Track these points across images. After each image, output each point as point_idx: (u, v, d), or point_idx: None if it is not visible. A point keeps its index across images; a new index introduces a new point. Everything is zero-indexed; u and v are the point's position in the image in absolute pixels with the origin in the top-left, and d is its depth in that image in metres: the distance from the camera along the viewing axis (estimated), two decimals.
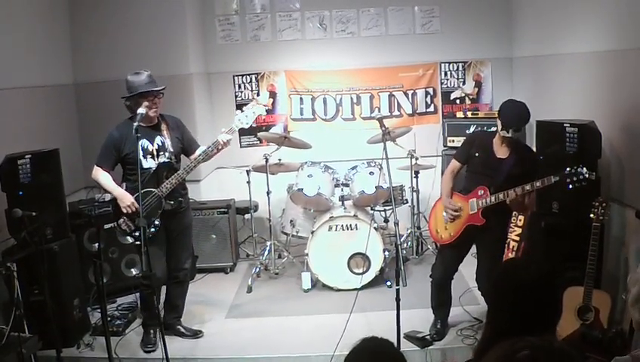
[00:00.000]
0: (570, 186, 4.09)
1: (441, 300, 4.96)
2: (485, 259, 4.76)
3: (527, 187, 4.28)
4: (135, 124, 4.39)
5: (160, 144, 4.73)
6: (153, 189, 4.64)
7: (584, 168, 4.07)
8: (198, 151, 4.89)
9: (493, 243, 4.72)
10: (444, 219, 4.76)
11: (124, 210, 4.62)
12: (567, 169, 4.10)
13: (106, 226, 4.76)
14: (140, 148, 4.61)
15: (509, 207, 4.53)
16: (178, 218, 4.89)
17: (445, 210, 4.73)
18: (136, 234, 4.63)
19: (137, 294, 5.25)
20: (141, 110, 4.52)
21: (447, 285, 4.93)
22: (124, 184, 4.76)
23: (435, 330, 4.90)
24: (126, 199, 4.62)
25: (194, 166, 4.72)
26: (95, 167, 4.73)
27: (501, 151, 4.58)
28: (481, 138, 4.77)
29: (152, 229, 4.62)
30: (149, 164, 4.68)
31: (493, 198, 4.46)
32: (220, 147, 4.72)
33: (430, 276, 4.96)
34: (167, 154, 4.74)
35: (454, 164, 4.83)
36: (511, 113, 4.50)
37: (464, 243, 4.76)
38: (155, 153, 4.71)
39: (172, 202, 4.73)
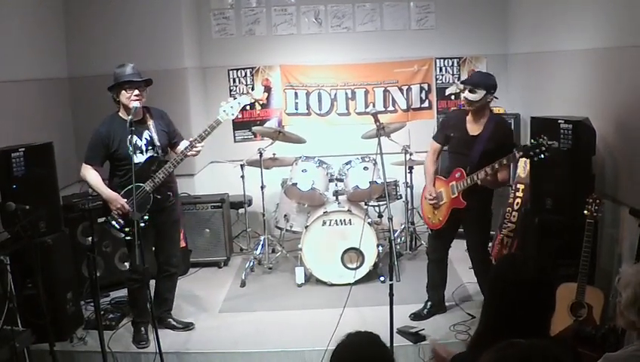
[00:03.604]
0: (535, 158, 4.28)
1: (436, 280, 5.14)
2: (472, 234, 4.96)
3: (496, 165, 4.43)
4: (129, 117, 4.38)
5: (148, 138, 4.69)
6: (141, 184, 4.61)
7: (545, 138, 4.22)
8: (182, 145, 4.85)
9: (478, 219, 4.87)
10: (431, 206, 4.93)
11: (115, 212, 4.60)
12: (530, 141, 4.30)
13: (100, 220, 4.75)
14: (129, 143, 4.59)
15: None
16: (167, 212, 4.86)
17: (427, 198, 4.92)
18: (127, 229, 4.61)
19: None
20: (135, 104, 4.51)
21: (443, 264, 5.13)
22: (113, 179, 4.72)
23: (427, 310, 5.11)
24: (116, 202, 4.58)
25: (181, 159, 4.69)
26: (84, 165, 4.68)
27: (474, 128, 4.71)
28: (455, 117, 4.91)
29: (142, 224, 4.58)
30: (138, 158, 4.63)
31: (469, 180, 4.61)
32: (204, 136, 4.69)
33: (427, 256, 5.25)
34: (155, 148, 4.71)
35: (434, 145, 5.01)
36: (469, 75, 4.70)
37: (453, 224, 4.93)
38: (143, 148, 4.68)
39: (159, 196, 4.70)
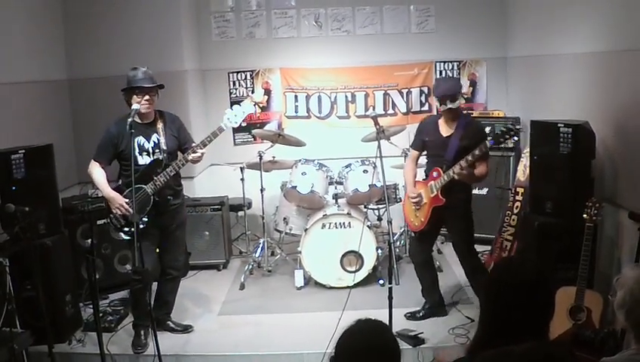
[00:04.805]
0: (506, 142, 4.61)
1: (428, 282, 5.17)
2: (456, 235, 5.02)
3: (469, 157, 4.54)
4: (129, 119, 4.38)
5: (156, 141, 4.72)
6: (143, 186, 4.62)
7: (513, 125, 4.55)
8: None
9: (459, 218, 4.92)
10: (413, 207, 4.97)
11: (115, 211, 4.61)
12: (500, 129, 4.51)
13: (99, 222, 4.74)
14: (136, 144, 4.61)
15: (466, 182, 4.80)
16: (171, 214, 4.87)
17: (409, 199, 4.96)
18: (126, 229, 4.64)
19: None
20: (135, 106, 4.53)
21: (430, 265, 5.19)
22: (120, 180, 4.75)
23: (424, 311, 5.14)
24: (116, 201, 4.60)
25: (182, 164, 4.70)
26: (92, 161, 4.72)
27: (446, 130, 4.83)
28: (428, 122, 5.05)
29: (140, 226, 4.58)
30: (144, 160, 4.68)
31: (445, 177, 4.70)
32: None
33: (411, 259, 5.31)
34: (161, 151, 4.73)
35: (412, 153, 5.12)
36: (442, 86, 4.88)
37: (435, 224, 4.98)
38: (150, 150, 4.70)
39: (158, 199, 4.70)
